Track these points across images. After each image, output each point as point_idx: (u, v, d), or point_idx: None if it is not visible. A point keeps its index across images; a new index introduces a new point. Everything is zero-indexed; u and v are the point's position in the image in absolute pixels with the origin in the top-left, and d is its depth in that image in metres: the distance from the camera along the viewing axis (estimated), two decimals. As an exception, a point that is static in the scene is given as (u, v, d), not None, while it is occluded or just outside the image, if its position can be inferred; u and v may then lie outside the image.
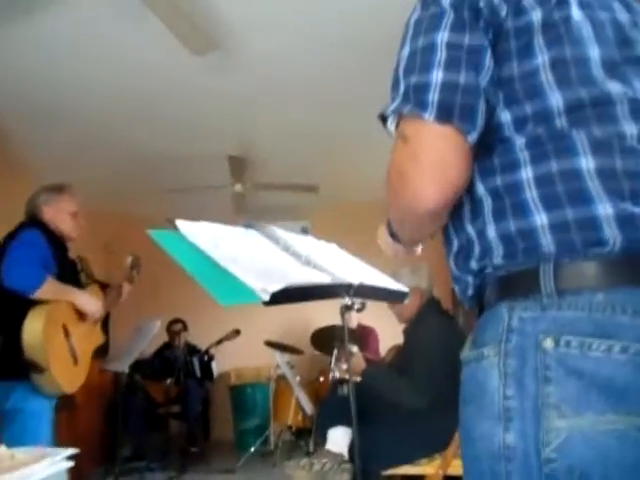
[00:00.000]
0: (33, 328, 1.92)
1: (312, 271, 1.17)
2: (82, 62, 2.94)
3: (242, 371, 5.45)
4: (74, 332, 2.16)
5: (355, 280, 1.18)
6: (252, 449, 4.28)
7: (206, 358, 4.82)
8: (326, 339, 4.38)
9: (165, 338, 4.92)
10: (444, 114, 0.66)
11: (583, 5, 0.71)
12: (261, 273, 1.05)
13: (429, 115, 0.66)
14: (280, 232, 1.36)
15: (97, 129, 3.74)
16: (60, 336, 2.08)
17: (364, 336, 4.43)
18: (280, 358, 3.28)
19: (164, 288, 5.45)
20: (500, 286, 0.70)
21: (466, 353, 0.73)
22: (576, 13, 0.70)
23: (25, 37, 2.67)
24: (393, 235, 0.96)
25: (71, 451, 1.11)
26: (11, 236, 2.08)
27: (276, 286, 1.01)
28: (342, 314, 1.19)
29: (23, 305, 1.95)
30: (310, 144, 4.14)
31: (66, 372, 2.07)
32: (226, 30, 2.68)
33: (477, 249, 0.72)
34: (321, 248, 1.42)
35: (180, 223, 1.21)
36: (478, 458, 0.67)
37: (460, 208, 0.75)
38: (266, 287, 1.01)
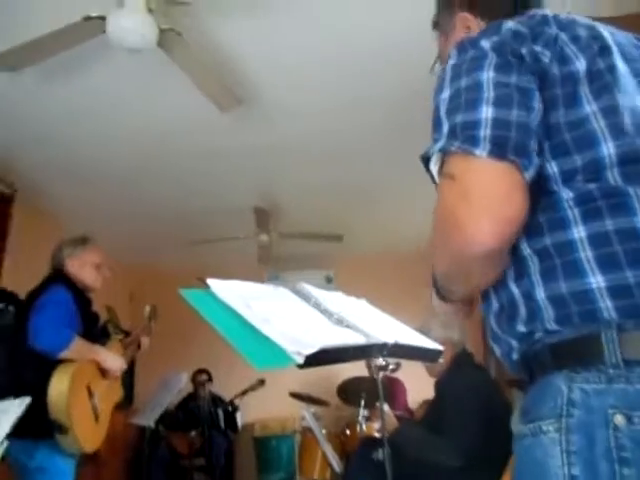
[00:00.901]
0: (59, 389, 1.92)
1: (345, 331, 1.15)
2: (104, 122, 3.05)
3: (267, 422, 5.33)
4: (97, 391, 2.16)
5: (389, 339, 1.15)
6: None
7: (230, 409, 4.74)
8: (353, 391, 4.26)
9: (190, 389, 4.87)
10: (498, 149, 0.61)
11: (627, 58, 0.69)
12: (294, 334, 1.04)
13: (481, 151, 0.61)
14: (310, 289, 1.35)
15: (123, 185, 3.85)
16: (84, 396, 2.08)
17: (391, 388, 4.30)
18: (306, 410, 3.20)
19: (189, 339, 5.44)
20: (554, 354, 0.65)
21: (519, 426, 0.67)
22: (620, 64, 0.68)
23: (54, 98, 2.78)
24: (439, 292, 0.88)
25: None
26: (37, 292, 2.12)
27: (310, 349, 1.00)
28: (375, 374, 1.15)
29: (49, 365, 1.96)
30: (334, 196, 4.20)
31: (88, 432, 2.06)
32: (251, 85, 2.75)
33: (523, 311, 0.68)
34: (352, 305, 1.41)
35: (211, 282, 1.22)
36: None
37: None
38: (300, 350, 0.99)
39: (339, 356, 1.06)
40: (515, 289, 0.69)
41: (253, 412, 5.23)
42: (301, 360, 1.00)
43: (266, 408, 5.29)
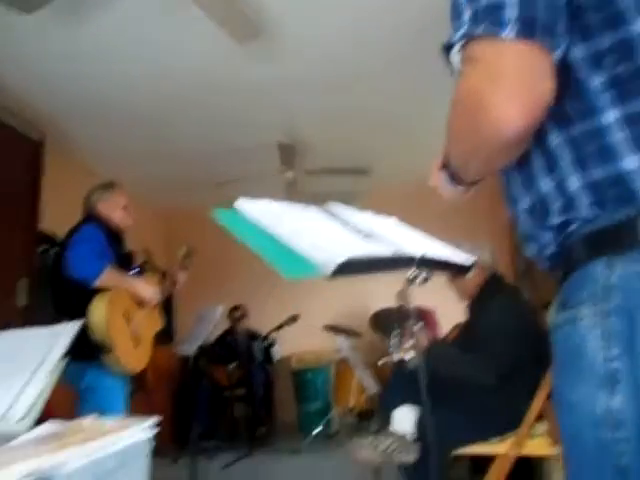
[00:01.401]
0: (97, 313, 2.08)
1: (374, 244, 1.15)
2: (129, 62, 3.05)
3: (302, 356, 5.54)
4: (134, 317, 2.31)
5: (419, 251, 1.15)
6: (316, 431, 4.36)
7: (267, 343, 4.92)
8: (385, 321, 4.36)
9: (226, 325, 5.08)
10: (525, 29, 0.57)
11: None
12: (323, 246, 1.05)
13: (508, 32, 0.57)
14: (339, 207, 1.35)
15: (149, 127, 3.88)
16: (122, 321, 2.23)
17: (423, 319, 4.37)
18: (341, 339, 3.29)
19: (224, 277, 5.62)
20: (591, 242, 0.63)
21: (556, 317, 0.67)
22: None
23: (77, 41, 2.79)
24: (452, 176, 0.86)
25: (152, 420, 1.16)
26: (72, 232, 2.29)
27: (339, 259, 1.00)
28: (405, 287, 1.16)
29: (88, 293, 2.11)
30: (359, 127, 4.11)
31: (129, 353, 2.21)
32: (270, 16, 2.68)
33: (558, 203, 0.66)
34: (381, 222, 1.40)
35: (241, 202, 1.23)
36: (577, 426, 0.62)
37: (529, 162, 0.69)
38: (329, 260, 1.00)
39: (367, 267, 1.06)
40: (547, 182, 0.67)
41: (289, 346, 5.44)
42: (330, 270, 1.01)
43: (301, 342, 5.49)
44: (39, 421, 1.27)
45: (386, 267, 1.15)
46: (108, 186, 2.52)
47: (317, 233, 1.19)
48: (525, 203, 0.73)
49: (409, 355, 2.69)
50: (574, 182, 0.64)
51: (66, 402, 2.01)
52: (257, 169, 4.27)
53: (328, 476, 3.40)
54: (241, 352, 4.69)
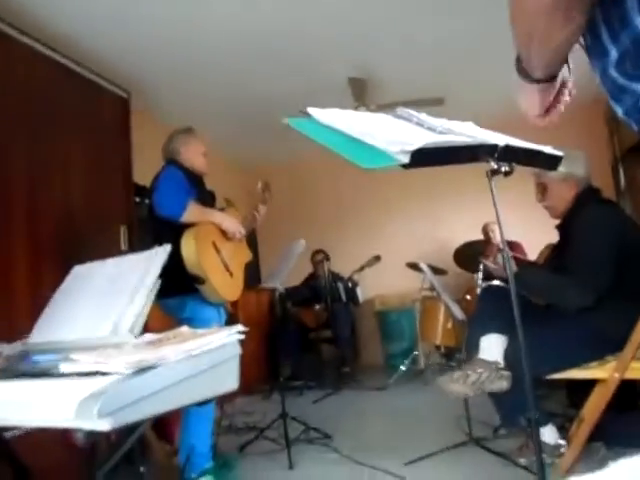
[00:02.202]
0: (188, 246, 2.19)
1: (452, 136, 1.10)
2: (205, 26, 3.12)
3: (386, 297, 5.58)
4: (223, 248, 2.41)
5: (501, 141, 1.09)
6: (402, 368, 4.41)
7: (350, 284, 4.99)
8: (470, 255, 4.24)
9: (310, 269, 5.20)
10: None
11: None
12: (398, 140, 1.02)
13: None
14: (411, 111, 1.30)
15: (223, 84, 3.95)
16: (212, 252, 2.33)
17: (511, 250, 4.20)
18: (424, 267, 3.25)
19: (306, 223, 5.73)
20: None
21: None
22: None
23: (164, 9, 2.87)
24: (523, 74, 0.79)
25: (240, 327, 1.22)
26: (157, 177, 2.40)
27: (415, 146, 0.97)
28: (489, 179, 1.10)
29: (177, 230, 2.22)
30: (431, 59, 3.91)
31: (223, 282, 2.32)
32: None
33: None
34: (458, 123, 1.33)
35: (312, 110, 1.22)
36: None
37: (614, 4, 0.61)
38: (405, 149, 0.97)
39: (445, 156, 1.02)
40: None
41: (372, 288, 5.49)
42: (406, 158, 0.98)
43: (384, 283, 5.52)
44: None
45: (465, 157, 1.10)
46: (189, 131, 2.59)
47: (390, 131, 1.16)
48: (613, 55, 0.65)
49: (497, 283, 2.60)
50: None
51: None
52: (330, 106, 4.22)
53: (414, 411, 3.45)
54: (325, 294, 4.80)
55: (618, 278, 1.89)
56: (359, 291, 5.06)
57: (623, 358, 1.92)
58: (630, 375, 1.92)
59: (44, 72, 2.59)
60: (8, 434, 1.48)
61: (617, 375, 1.93)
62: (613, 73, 0.67)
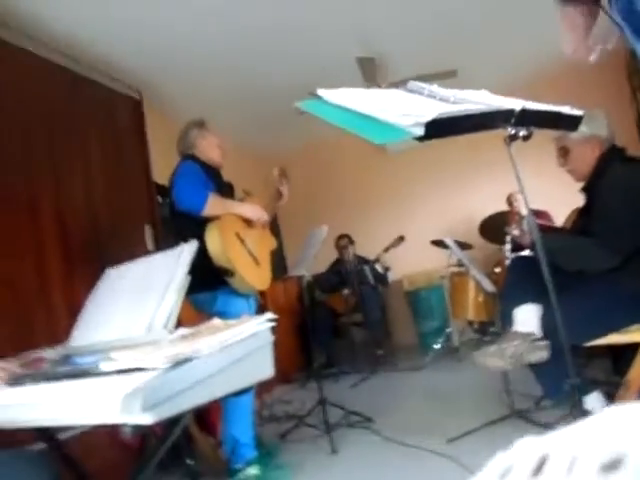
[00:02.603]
0: (212, 240, 2.20)
1: (466, 105, 1.08)
2: (209, 20, 3.11)
3: (414, 276, 5.54)
4: (247, 237, 2.42)
5: (518, 105, 1.06)
6: (437, 346, 4.40)
7: (381, 268, 4.96)
8: (496, 227, 4.18)
9: (335, 255, 5.21)
10: None
11: None
12: (411, 113, 1.01)
13: None
14: (421, 84, 1.28)
15: (232, 77, 3.96)
16: (236, 242, 2.34)
17: (538, 218, 4.11)
18: (450, 242, 3.21)
19: (328, 209, 5.72)
20: None
21: None
22: None
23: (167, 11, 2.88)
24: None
25: (270, 315, 1.24)
26: (174, 173, 2.41)
27: (428, 117, 0.96)
28: (507, 145, 1.08)
29: (200, 224, 2.24)
30: (442, 34, 3.84)
31: (252, 272, 2.33)
32: None
33: None
34: (471, 93, 1.31)
35: (322, 91, 1.21)
36: None
37: None
38: (419, 120, 0.96)
39: (461, 125, 1.01)
40: None
41: (399, 268, 5.47)
42: (421, 131, 0.97)
43: (411, 263, 5.49)
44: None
45: (481, 125, 1.09)
46: (202, 124, 2.59)
47: (402, 104, 1.15)
48: None
49: (525, 253, 2.56)
50: None
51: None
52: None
53: (452, 389, 3.44)
54: (352, 278, 4.80)
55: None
56: (389, 274, 5.05)
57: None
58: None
59: (59, 80, 2.65)
60: (62, 435, 1.55)
61: (659, 336, 1.89)
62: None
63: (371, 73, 3.85)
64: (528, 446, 0.23)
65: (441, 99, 1.19)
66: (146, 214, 3.04)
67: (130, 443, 2.23)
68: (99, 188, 2.75)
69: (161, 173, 3.06)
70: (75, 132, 2.68)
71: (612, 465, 0.18)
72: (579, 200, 2.20)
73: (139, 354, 1.07)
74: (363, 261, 5.05)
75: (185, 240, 2.25)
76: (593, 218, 1.97)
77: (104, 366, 1.04)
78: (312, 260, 2.81)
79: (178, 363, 1.03)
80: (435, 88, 1.26)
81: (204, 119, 2.63)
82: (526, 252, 2.38)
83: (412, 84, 1.31)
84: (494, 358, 2.02)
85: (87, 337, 1.51)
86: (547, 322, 1.98)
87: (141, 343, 1.27)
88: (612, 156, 2.01)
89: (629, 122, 4.57)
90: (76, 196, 2.58)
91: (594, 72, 4.83)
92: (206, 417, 2.74)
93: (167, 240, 2.96)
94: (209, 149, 2.53)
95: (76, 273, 2.39)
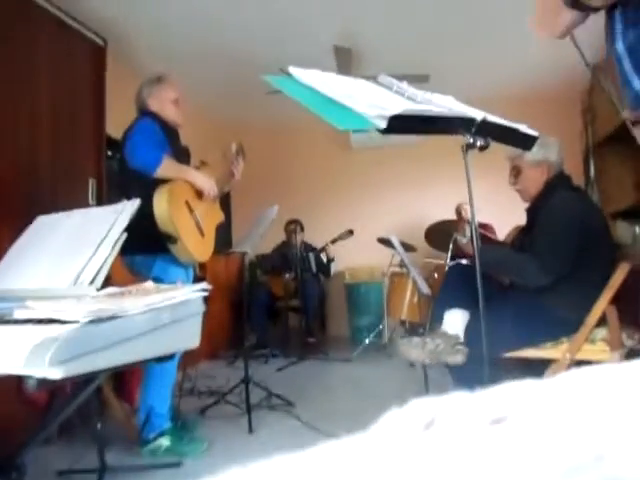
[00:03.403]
0: (160, 204, 2.13)
1: (431, 106, 1.09)
2: None
3: (356, 270, 5.62)
4: (196, 208, 2.35)
5: (478, 116, 1.08)
6: (367, 341, 4.49)
7: (326, 258, 4.98)
8: (441, 234, 4.29)
9: (283, 238, 5.18)
10: None
11: None
12: (377, 104, 1.00)
13: None
14: (391, 79, 1.28)
15: (201, 32, 3.81)
16: (184, 211, 2.28)
17: (482, 229, 4.27)
18: (395, 240, 3.27)
19: (281, 192, 5.67)
20: None
21: None
22: None
23: None
24: (581, 6, 0.77)
25: (205, 285, 1.21)
26: (130, 128, 2.30)
27: (392, 112, 0.96)
28: (464, 153, 1.10)
29: (149, 185, 2.15)
30: (420, 37, 3.88)
31: (195, 243, 2.28)
32: None
33: None
34: (438, 96, 1.32)
35: (293, 69, 1.19)
36: None
37: None
38: (383, 114, 0.96)
39: (422, 125, 1.02)
40: None
41: (343, 261, 5.52)
42: (383, 124, 0.97)
43: (355, 257, 5.56)
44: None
45: (442, 128, 1.10)
46: (156, 80, 2.46)
47: (370, 95, 1.14)
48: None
49: (464, 262, 2.64)
50: None
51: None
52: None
53: (377, 383, 3.52)
54: (296, 264, 4.80)
55: (578, 263, 1.95)
56: (332, 266, 5.08)
57: (576, 340, 2.00)
58: (581, 356, 2.01)
59: (15, 9, 2.45)
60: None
61: (569, 356, 2.01)
62: (629, 54, 0.68)
63: (346, 64, 3.83)
64: (422, 404, 0.25)
65: (409, 97, 1.19)
66: (92, 168, 2.89)
67: (36, 399, 2.13)
68: (45, 133, 2.57)
69: (116, 127, 2.92)
70: (26, 67, 2.49)
71: (497, 420, 0.22)
72: (522, 219, 2.30)
73: (59, 305, 1.02)
74: (309, 248, 5.06)
75: (129, 199, 2.17)
76: (533, 237, 2.06)
77: (18, 313, 0.98)
78: (258, 239, 2.77)
79: (100, 319, 0.98)
80: (404, 85, 1.26)
81: (163, 74, 2.50)
82: (464, 261, 2.47)
83: (383, 78, 1.30)
84: (415, 349, 2.10)
85: (6, 283, 1.43)
86: (471, 331, 2.07)
87: (64, 295, 1.20)
88: (559, 182, 2.11)
89: (576, 153, 4.80)
90: (17, 138, 2.41)
91: (551, 101, 5.05)
92: (125, 383, 2.66)
93: (111, 197, 2.83)
94: (162, 106, 2.41)
95: (5, 222, 2.21)
